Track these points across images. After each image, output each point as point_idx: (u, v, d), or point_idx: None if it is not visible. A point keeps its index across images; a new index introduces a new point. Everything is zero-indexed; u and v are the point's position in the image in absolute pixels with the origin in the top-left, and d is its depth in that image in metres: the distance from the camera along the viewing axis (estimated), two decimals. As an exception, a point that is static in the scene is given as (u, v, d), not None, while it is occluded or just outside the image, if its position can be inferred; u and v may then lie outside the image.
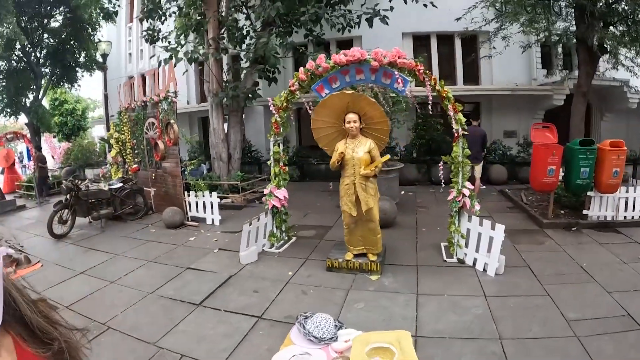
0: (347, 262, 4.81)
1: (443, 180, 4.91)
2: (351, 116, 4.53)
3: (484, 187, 9.53)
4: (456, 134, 4.46)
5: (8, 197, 11.47)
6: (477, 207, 4.55)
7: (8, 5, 10.98)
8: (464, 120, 4.35)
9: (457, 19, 8.61)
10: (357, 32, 9.76)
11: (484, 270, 4.43)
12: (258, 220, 5.83)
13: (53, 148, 18.34)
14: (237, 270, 5.25)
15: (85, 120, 22.32)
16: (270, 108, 5.66)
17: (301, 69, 5.14)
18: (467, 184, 4.57)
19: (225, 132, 10.03)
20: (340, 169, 4.71)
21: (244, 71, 9.65)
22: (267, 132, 10.01)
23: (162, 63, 8.11)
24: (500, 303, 3.78)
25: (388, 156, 4.60)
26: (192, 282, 4.99)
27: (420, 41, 11.20)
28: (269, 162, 6.12)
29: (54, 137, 20.47)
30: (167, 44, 9.03)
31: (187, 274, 5.31)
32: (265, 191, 5.94)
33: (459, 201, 4.58)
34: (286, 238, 6.22)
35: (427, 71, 4.44)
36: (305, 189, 10.52)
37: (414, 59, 8.02)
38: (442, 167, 4.81)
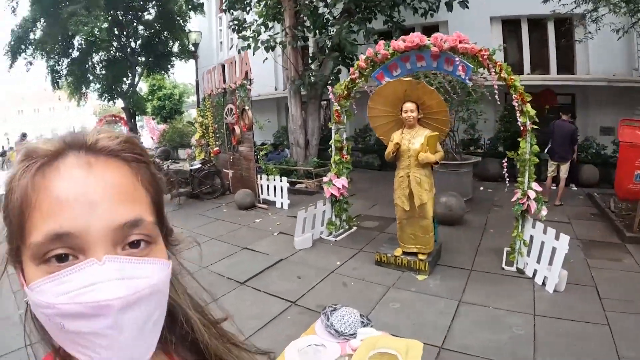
0: (395, 258, 4.60)
1: (508, 179, 4.38)
2: (408, 105, 4.26)
3: (575, 188, 8.37)
4: (523, 128, 3.94)
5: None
6: (544, 211, 3.97)
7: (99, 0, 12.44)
8: (532, 112, 3.81)
9: (545, 1, 7.50)
10: (443, 17, 9.12)
11: (543, 284, 3.89)
12: (315, 207, 5.85)
13: (152, 129, 20.27)
14: (289, 254, 5.35)
15: (181, 104, 24.02)
16: (330, 97, 5.60)
17: (361, 56, 4.98)
18: (534, 184, 4.02)
19: (304, 118, 10.20)
20: (396, 160, 4.49)
21: (323, 58, 9.66)
22: (353, 118, 9.98)
23: (240, 52, 8.46)
24: (549, 326, 3.27)
25: (437, 134, 4.24)
26: (244, 262, 5.20)
27: (510, 26, 10.01)
28: (329, 150, 6.08)
29: (153, 119, 22.61)
30: (247, 32, 9.40)
31: (242, 253, 5.56)
32: (325, 179, 5.93)
33: (523, 204, 4.05)
34: (346, 227, 6.15)
35: (492, 57, 3.97)
36: (383, 179, 10.19)
37: (502, 44, 7.32)
38: (505, 163, 4.30)
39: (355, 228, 6.24)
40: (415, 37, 4.22)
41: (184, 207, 8.48)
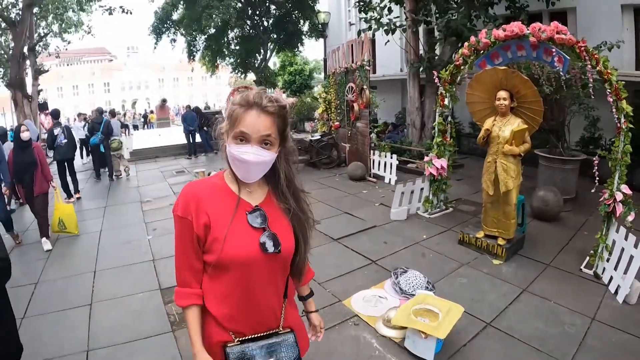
0: (476, 240, 4.87)
1: (597, 179, 4.19)
2: (501, 93, 4.41)
3: None
4: (618, 126, 3.78)
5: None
6: (631, 217, 3.77)
7: None
8: (629, 109, 3.62)
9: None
10: (572, 3, 8.29)
11: (615, 293, 3.71)
12: (413, 183, 6.31)
13: None
14: (383, 223, 5.96)
15: (311, 80, 25.19)
16: (435, 81, 5.89)
17: (465, 44, 5.17)
18: (624, 187, 3.84)
19: (421, 101, 10.39)
20: (487, 145, 4.72)
21: (443, 43, 9.60)
22: None
23: (360, 33, 8.97)
24: (603, 333, 3.21)
25: (525, 127, 4.30)
26: (341, 224, 5.98)
27: (643, 14, 8.36)
28: (433, 132, 6.40)
29: (284, 92, 24.27)
30: (371, 14, 9.75)
31: (341, 217, 6.36)
32: (426, 158, 6.29)
33: (609, 204, 3.92)
34: (443, 207, 6.46)
35: (590, 49, 3.84)
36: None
37: (619, 41, 6.41)
38: (597, 162, 4.14)
39: (451, 209, 6.49)
40: (515, 27, 4.28)
41: (302, 172, 9.57)
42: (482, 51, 4.96)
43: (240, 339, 1.33)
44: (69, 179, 8.40)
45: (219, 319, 1.32)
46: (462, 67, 5.43)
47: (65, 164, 8.25)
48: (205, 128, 13.12)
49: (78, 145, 10.49)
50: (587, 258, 4.35)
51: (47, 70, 14.85)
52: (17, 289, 4.22)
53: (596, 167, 4.11)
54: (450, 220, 6.01)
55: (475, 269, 4.42)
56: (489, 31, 4.68)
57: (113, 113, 11.13)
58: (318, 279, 4.21)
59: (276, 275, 1.39)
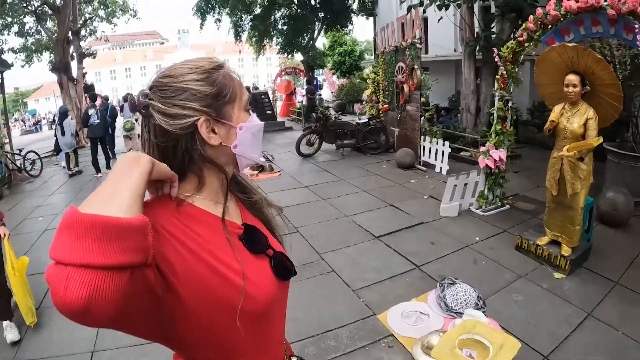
0: (536, 247, 4.27)
1: None
2: (570, 78, 3.68)
3: None
4: None
5: (282, 120, 15.17)
6: None
7: None
8: None
9: None
10: None
11: None
12: (467, 176, 5.73)
13: (332, 83, 21.32)
14: (431, 219, 5.46)
15: (362, 61, 24.07)
16: (495, 59, 5.22)
17: (530, 17, 4.47)
18: None
19: (477, 83, 9.53)
20: (552, 137, 4.06)
21: (501, 20, 8.63)
22: (532, 90, 8.67)
23: (410, 9, 8.20)
24: None
25: (600, 139, 3.61)
26: (385, 218, 5.57)
27: None
28: (491, 119, 5.76)
29: (333, 73, 23.61)
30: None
31: (386, 209, 5.92)
32: (482, 148, 5.68)
33: None
34: (498, 203, 5.85)
35: None
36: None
37: None
38: None
39: (508, 206, 5.85)
40: (592, -3, 3.58)
41: (347, 157, 9.24)
42: (550, 26, 4.26)
43: None
44: (100, 157, 9.01)
45: None
46: (525, 45, 4.73)
47: (98, 141, 8.96)
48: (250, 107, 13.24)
49: None
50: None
51: (92, 54, 15.40)
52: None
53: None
54: (507, 220, 5.39)
55: (533, 283, 3.85)
56: (558, 2, 3.97)
57: (126, 98, 11.92)
58: (352, 286, 3.88)
59: (284, 302, 1.05)
